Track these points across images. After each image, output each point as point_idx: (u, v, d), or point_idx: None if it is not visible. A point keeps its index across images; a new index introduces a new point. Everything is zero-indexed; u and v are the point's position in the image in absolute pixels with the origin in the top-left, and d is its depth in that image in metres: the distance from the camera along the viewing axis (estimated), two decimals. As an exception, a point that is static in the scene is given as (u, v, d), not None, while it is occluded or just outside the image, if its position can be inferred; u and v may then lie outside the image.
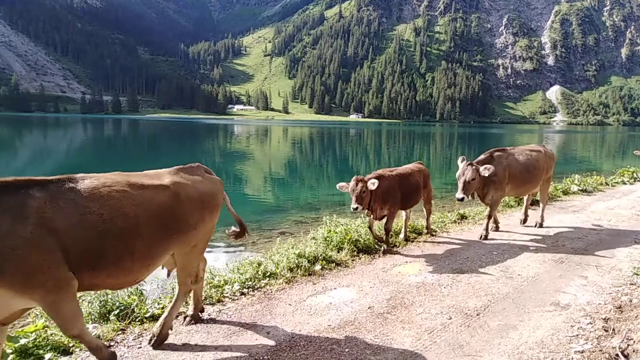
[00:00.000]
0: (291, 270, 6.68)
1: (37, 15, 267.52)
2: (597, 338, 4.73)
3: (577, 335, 4.85)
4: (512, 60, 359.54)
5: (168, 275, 5.00)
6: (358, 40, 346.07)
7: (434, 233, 9.01)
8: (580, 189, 14.47)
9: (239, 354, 4.46)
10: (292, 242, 7.66)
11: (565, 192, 13.95)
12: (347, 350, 4.54)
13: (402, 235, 8.54)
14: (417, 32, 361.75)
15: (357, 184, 7.07)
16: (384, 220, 7.88)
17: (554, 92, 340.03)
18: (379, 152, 48.45)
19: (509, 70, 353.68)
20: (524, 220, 9.89)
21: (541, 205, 10.02)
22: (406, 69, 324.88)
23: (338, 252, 7.49)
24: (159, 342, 4.57)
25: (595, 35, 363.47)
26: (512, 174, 8.74)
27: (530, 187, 9.31)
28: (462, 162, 8.24)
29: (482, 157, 8.64)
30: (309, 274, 6.68)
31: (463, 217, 10.52)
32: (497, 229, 9.38)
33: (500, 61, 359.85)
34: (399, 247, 8.20)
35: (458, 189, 7.93)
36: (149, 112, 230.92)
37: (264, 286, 6.22)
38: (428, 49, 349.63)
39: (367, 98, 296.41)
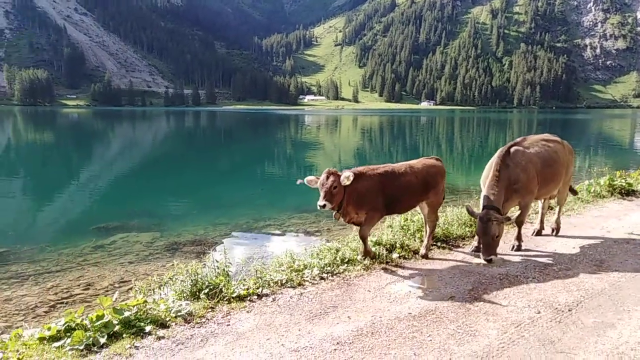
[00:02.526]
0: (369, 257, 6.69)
1: (126, 16, 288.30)
2: None
3: (687, 337, 4.42)
4: (601, 39, 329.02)
5: None
6: (430, 26, 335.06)
7: (428, 257, 6.92)
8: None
9: (321, 336, 4.57)
10: (371, 231, 7.65)
11: None
12: (429, 339, 4.49)
13: (423, 250, 6.95)
14: (494, 14, 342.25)
15: (327, 178, 5.93)
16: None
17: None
18: (451, 141, 46.83)
19: (598, 50, 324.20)
20: (538, 232, 8.10)
21: (558, 206, 8.23)
22: (481, 53, 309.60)
23: (415, 240, 7.39)
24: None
25: None
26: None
27: (553, 186, 7.55)
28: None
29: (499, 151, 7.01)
30: (387, 262, 6.66)
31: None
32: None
33: (587, 41, 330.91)
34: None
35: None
36: (225, 104, 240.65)
37: (342, 272, 6.30)
38: (506, 31, 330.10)
39: (439, 85, 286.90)
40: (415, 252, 7.04)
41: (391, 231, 7.52)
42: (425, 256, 6.86)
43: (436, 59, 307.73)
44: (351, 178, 5.91)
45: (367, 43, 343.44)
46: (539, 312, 5.03)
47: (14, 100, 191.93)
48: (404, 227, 7.62)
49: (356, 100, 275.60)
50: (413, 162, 6.97)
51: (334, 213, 6.19)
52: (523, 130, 63.94)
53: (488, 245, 6.34)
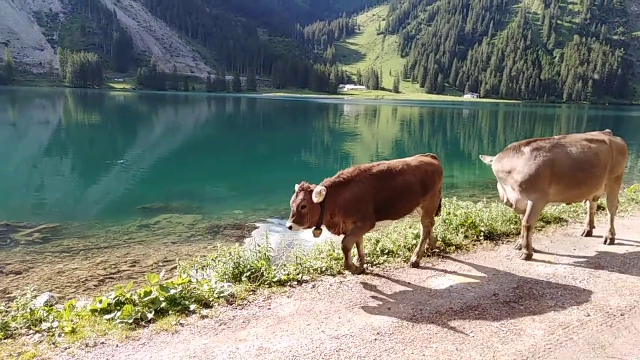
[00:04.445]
0: (409, 249, 6.63)
1: (173, 1, 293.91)
2: None
3: None
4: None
5: None
6: (478, 15, 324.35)
7: (418, 265, 6.21)
8: None
9: (361, 325, 4.57)
10: (409, 222, 7.58)
11: None
12: (471, 334, 4.41)
13: (413, 258, 6.26)
14: (547, 3, 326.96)
15: (297, 195, 5.23)
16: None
17: None
18: (494, 135, 45.49)
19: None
20: (588, 233, 7.65)
21: (609, 214, 7.44)
22: (531, 44, 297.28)
23: (457, 235, 7.24)
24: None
25: None
26: (558, 172, 6.41)
27: (587, 190, 6.79)
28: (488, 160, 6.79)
29: (507, 147, 6.69)
30: (428, 255, 6.57)
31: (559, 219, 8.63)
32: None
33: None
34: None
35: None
36: (265, 91, 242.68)
37: (382, 263, 6.27)
38: (558, 22, 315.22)
39: (484, 77, 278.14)
40: (458, 246, 6.90)
41: (433, 224, 7.39)
42: (416, 264, 6.15)
43: (482, 50, 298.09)
44: (323, 194, 5.09)
45: (411, 32, 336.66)
46: (588, 315, 4.83)
47: (66, 82, 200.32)
48: (446, 220, 7.47)
49: (397, 91, 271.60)
50: (409, 159, 6.22)
51: (312, 230, 5.40)
52: (572, 126, 61.31)
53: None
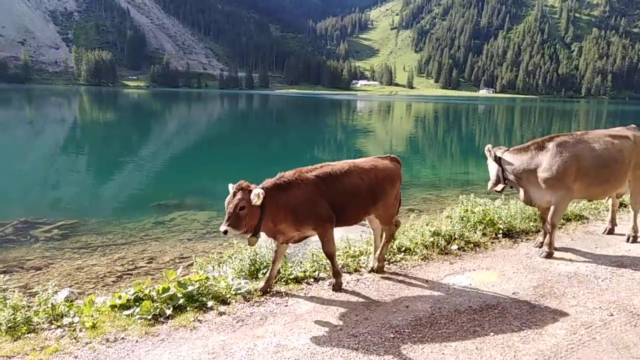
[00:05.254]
0: (426, 247, 6.56)
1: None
2: None
3: None
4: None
5: None
6: (493, 9, 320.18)
7: (384, 272, 5.82)
8: None
9: (379, 323, 4.54)
10: (427, 219, 7.51)
11: None
12: (491, 334, 4.35)
13: (374, 263, 5.85)
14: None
15: (234, 195, 4.65)
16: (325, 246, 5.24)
17: None
18: (511, 131, 44.92)
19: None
20: (610, 230, 7.48)
21: (632, 211, 7.16)
22: (548, 38, 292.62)
23: (475, 233, 7.15)
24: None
25: None
26: (583, 169, 6.26)
27: (610, 187, 6.66)
28: (488, 152, 6.59)
29: (528, 143, 6.51)
30: (445, 253, 6.50)
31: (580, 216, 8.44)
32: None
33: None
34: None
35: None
36: (277, 87, 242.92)
37: (399, 260, 6.22)
38: (577, 14, 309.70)
39: (500, 72, 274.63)
40: (476, 244, 6.81)
41: (450, 222, 7.32)
42: (379, 269, 5.76)
43: (498, 44, 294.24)
44: (262, 196, 4.55)
45: (425, 27, 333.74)
46: (611, 315, 4.73)
47: (80, 80, 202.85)
48: (464, 218, 7.39)
49: (411, 86, 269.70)
50: (359, 160, 5.54)
51: (248, 237, 4.82)
52: (591, 122, 60.25)
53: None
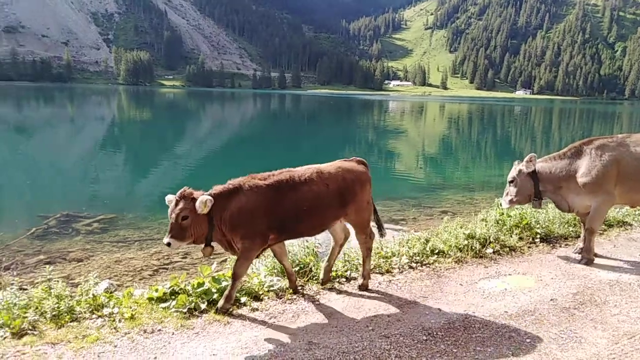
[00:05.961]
0: (460, 250, 6.46)
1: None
2: None
3: None
4: None
5: None
6: (532, 8, 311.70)
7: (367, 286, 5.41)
8: None
9: (412, 324, 4.50)
10: (461, 222, 7.38)
11: None
12: (527, 340, 4.24)
13: (360, 280, 5.40)
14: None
15: (176, 204, 4.36)
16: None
17: None
18: (548, 134, 43.54)
19: None
20: None
21: None
22: (590, 38, 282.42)
23: (511, 237, 6.98)
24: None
25: None
26: (624, 173, 5.99)
27: None
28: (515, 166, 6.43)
29: (564, 150, 6.34)
30: (480, 257, 6.38)
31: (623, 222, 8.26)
32: None
33: None
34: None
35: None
36: (309, 87, 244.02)
37: (432, 263, 6.15)
38: (621, 13, 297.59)
39: (538, 72, 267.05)
40: (512, 248, 6.66)
41: (485, 225, 7.17)
42: (364, 287, 5.33)
43: (536, 44, 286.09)
44: (209, 204, 4.28)
45: (460, 27, 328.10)
46: (657, 326, 4.53)
47: (120, 79, 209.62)
48: (500, 221, 7.23)
49: (444, 87, 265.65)
50: (323, 165, 5.11)
51: (202, 248, 4.59)
52: (634, 125, 57.74)
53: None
